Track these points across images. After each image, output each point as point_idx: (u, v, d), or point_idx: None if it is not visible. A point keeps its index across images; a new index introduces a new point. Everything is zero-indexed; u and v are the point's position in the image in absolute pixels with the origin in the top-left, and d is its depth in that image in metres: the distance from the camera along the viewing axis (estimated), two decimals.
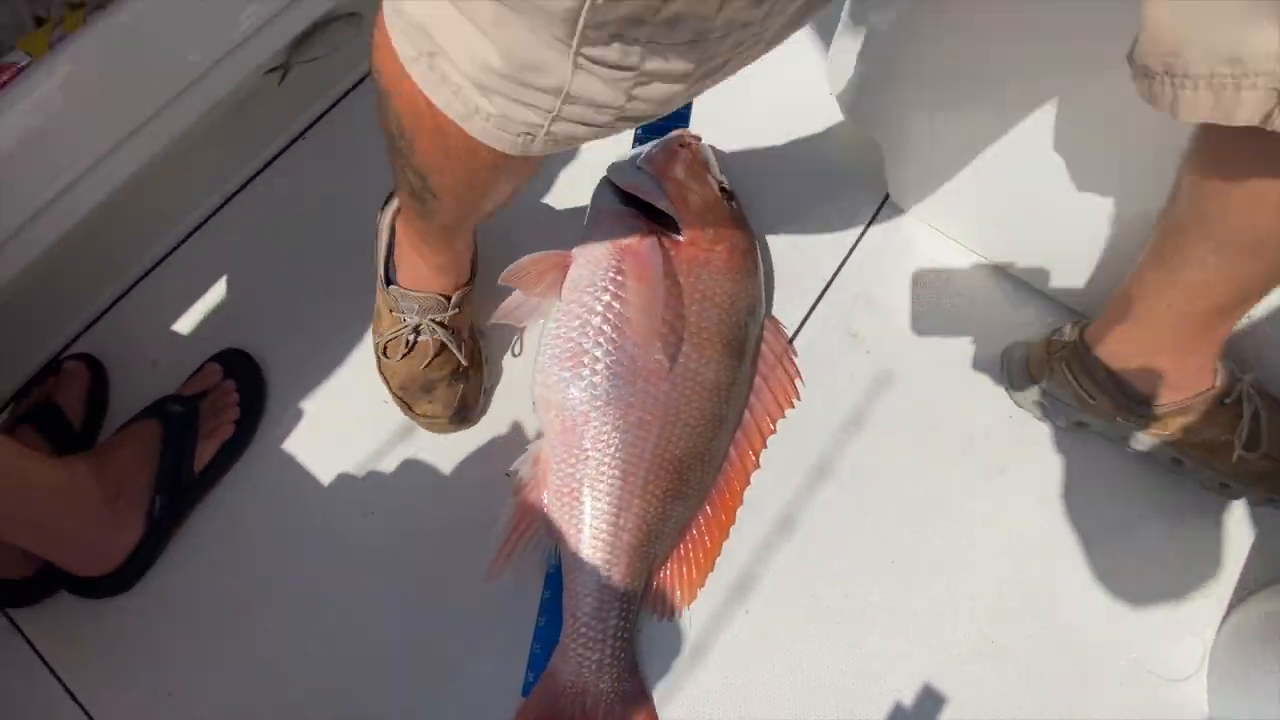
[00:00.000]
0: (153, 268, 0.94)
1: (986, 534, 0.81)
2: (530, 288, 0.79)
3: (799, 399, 0.84)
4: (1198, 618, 0.78)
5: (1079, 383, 0.77)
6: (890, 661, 0.77)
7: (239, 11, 0.87)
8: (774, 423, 0.83)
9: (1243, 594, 0.77)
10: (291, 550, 0.81)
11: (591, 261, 0.79)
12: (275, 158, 1.01)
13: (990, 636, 0.78)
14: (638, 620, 0.75)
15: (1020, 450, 0.84)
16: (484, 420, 0.86)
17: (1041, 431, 0.85)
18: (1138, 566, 0.80)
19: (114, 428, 0.84)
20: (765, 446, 0.82)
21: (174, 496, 0.79)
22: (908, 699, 0.75)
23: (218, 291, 0.93)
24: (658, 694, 0.75)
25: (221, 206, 0.98)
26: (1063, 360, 0.78)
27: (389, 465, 0.84)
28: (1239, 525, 0.81)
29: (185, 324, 0.92)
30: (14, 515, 0.69)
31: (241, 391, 0.85)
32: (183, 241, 0.96)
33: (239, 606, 0.79)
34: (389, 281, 0.82)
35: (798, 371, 0.85)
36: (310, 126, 1.03)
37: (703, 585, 0.77)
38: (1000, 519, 0.81)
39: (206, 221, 0.97)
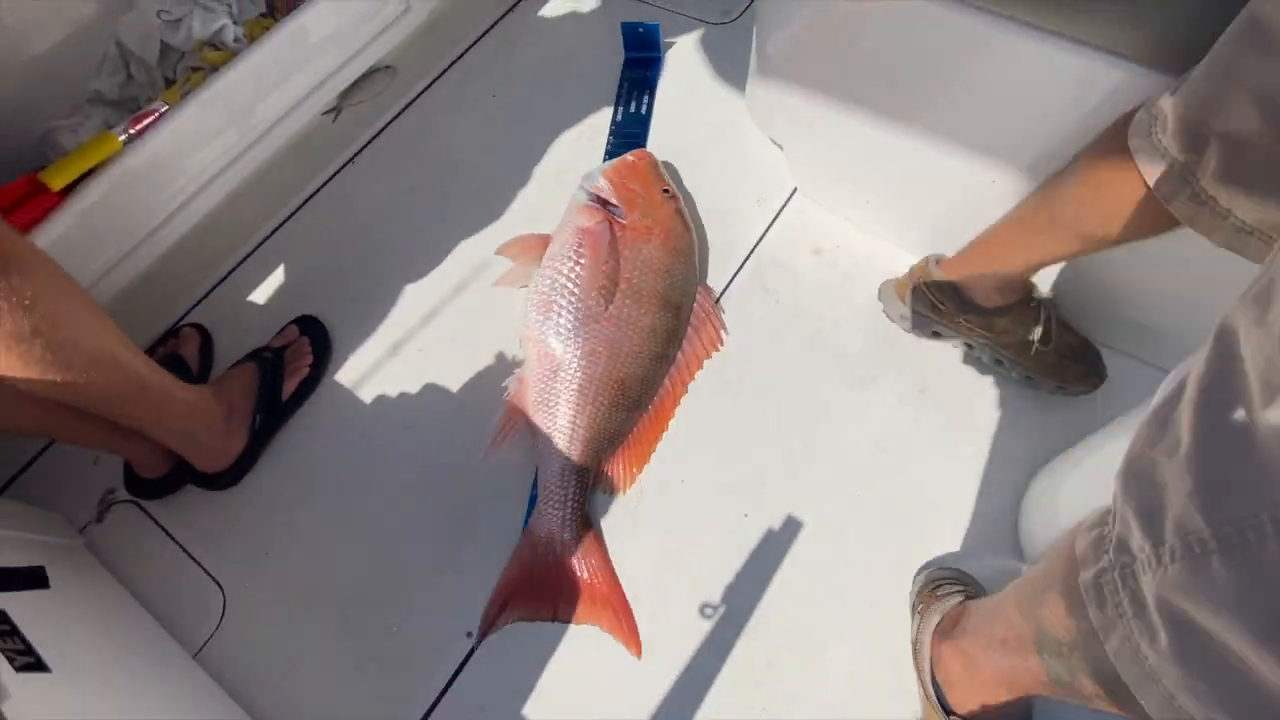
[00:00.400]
0: (244, 259, 1.27)
1: (861, 423, 1.07)
2: (518, 257, 1.10)
3: (723, 344, 1.12)
4: (1012, 477, 1.01)
5: (932, 293, 1.02)
6: (779, 506, 1.02)
7: (305, 70, 1.19)
8: (702, 362, 1.11)
9: (1041, 459, 1.00)
10: (351, 455, 1.11)
11: (562, 239, 1.09)
12: (332, 177, 1.33)
13: (859, 490, 1.03)
14: (591, 492, 1.02)
15: (889, 365, 1.10)
16: (481, 356, 1.15)
17: (906, 350, 1.11)
18: (971, 442, 1.04)
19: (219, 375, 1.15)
20: (694, 379, 1.10)
21: (268, 417, 1.10)
22: (777, 525, 1.01)
23: (293, 275, 1.25)
24: (611, 543, 1.02)
25: (293, 214, 1.30)
26: (921, 281, 1.04)
27: (418, 392, 1.14)
28: (1041, 409, 1.05)
29: (269, 299, 1.23)
30: (164, 421, 1.00)
31: (314, 344, 1.16)
32: (265, 240, 1.28)
33: (315, 494, 1.09)
34: (948, 712, 0.77)
35: (723, 324, 1.13)
36: (357, 154, 1.35)
37: (640, 472, 1.05)
38: (871, 413, 1.07)
39: (282, 225, 1.29)
